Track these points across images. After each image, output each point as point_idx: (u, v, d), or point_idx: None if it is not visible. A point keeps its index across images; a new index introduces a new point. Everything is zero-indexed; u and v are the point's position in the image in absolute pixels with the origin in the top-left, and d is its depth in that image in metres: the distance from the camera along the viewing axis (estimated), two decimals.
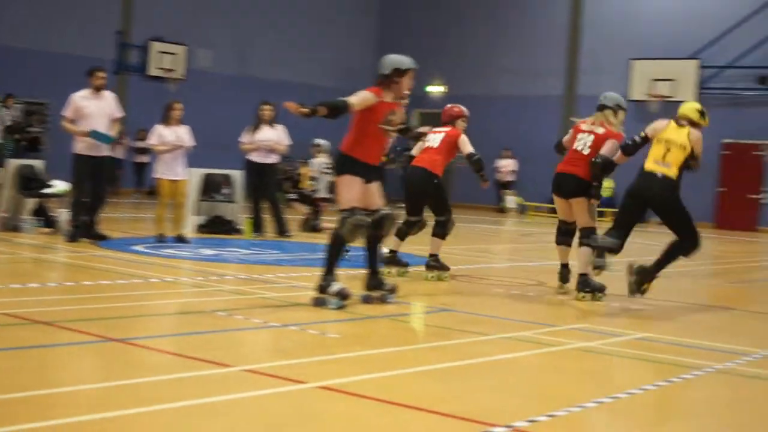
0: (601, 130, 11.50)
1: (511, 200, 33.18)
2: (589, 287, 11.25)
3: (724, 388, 7.05)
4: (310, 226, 19.06)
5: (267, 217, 17.40)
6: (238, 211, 17.83)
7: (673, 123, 10.82)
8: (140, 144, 29.21)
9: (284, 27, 35.24)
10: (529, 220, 30.46)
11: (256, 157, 17.19)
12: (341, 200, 9.73)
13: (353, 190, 9.67)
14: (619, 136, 11.45)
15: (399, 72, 9.81)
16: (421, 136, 11.68)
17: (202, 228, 17.32)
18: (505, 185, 33.54)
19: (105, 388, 5.82)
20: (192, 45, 32.50)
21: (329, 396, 5.91)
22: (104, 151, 14.50)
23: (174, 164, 15.03)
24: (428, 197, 12.71)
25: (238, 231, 17.42)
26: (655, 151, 10.56)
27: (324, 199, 19.52)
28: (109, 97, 14.67)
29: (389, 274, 12.18)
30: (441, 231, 12.78)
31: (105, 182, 15.02)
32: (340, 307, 9.35)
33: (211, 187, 17.78)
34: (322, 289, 9.52)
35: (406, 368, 6.90)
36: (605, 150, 11.29)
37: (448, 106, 13.38)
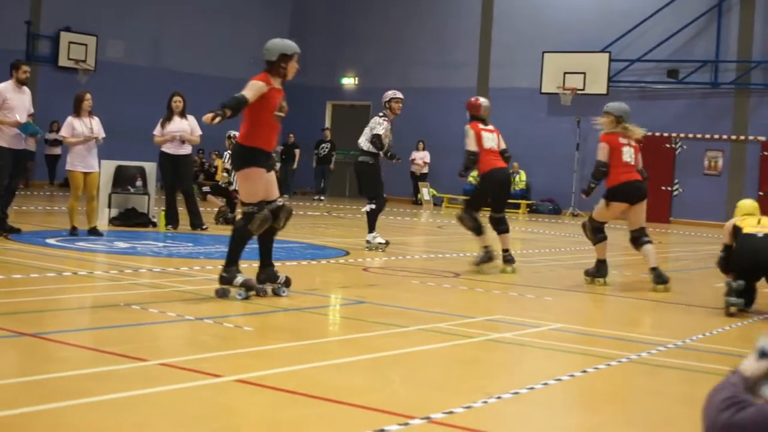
0: (633, 142, 12.53)
1: (426, 192, 33.30)
2: (662, 279, 12.17)
3: (639, 377, 7.14)
4: (225, 218, 18.98)
5: (181, 210, 17.29)
6: (152, 204, 17.68)
7: (745, 218, 10.79)
8: (53, 136, 28.87)
9: (195, 18, 35.01)
10: (443, 212, 30.60)
11: (169, 149, 17.07)
12: (247, 194, 9.66)
13: (260, 182, 9.62)
14: (639, 147, 12.68)
15: (285, 57, 9.72)
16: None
17: (115, 221, 17.16)
18: (420, 177, 33.64)
19: (19, 384, 5.75)
20: (103, 35, 32.17)
21: (246, 389, 5.89)
22: (23, 144, 14.40)
23: (86, 156, 14.86)
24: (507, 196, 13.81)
25: (152, 224, 17.28)
26: (749, 222, 10.56)
27: (239, 192, 19.42)
28: (27, 92, 14.59)
29: (509, 271, 13.21)
30: (506, 227, 13.52)
31: (19, 176, 14.90)
32: (246, 298, 9.36)
33: (124, 180, 17.60)
34: (226, 280, 9.51)
35: (323, 361, 6.89)
36: (641, 162, 12.71)
37: (488, 102, 13.97)
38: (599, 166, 12.42)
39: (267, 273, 9.87)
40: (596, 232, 12.66)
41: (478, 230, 13.43)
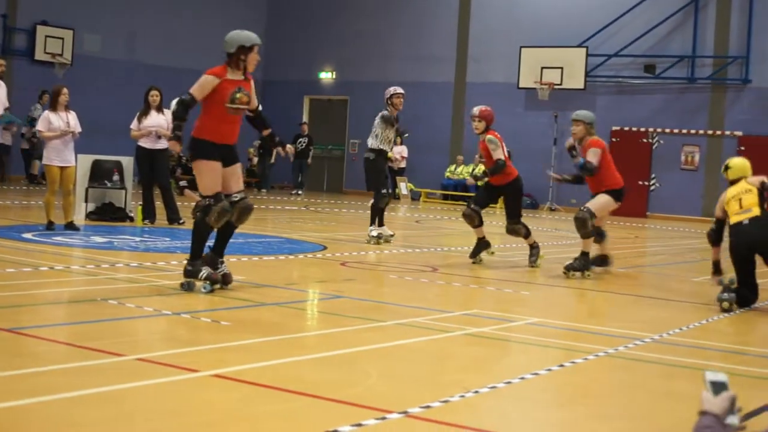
0: None
1: (403, 187, 33.30)
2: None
3: (616, 371, 7.16)
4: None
5: (158, 204, 17.24)
6: (129, 198, 17.62)
7: (731, 188, 10.81)
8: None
9: (171, 12, 34.88)
10: (421, 207, 30.61)
11: (146, 143, 17.02)
12: (202, 186, 9.55)
13: (213, 175, 9.52)
14: None
15: (244, 49, 9.59)
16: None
17: (92, 215, 17.10)
18: (398, 172, 33.62)
19: None
20: (79, 29, 32.02)
21: (223, 384, 5.89)
22: (1, 138, 14.35)
23: (63, 150, 14.79)
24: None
25: (129, 218, 17.23)
26: (733, 207, 10.60)
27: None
28: (3, 87, 14.51)
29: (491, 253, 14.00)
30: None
31: None
32: (210, 292, 9.35)
33: (101, 174, 17.53)
34: (191, 274, 9.51)
35: (300, 355, 6.90)
36: None
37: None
38: (595, 169, 12.70)
39: (209, 257, 9.76)
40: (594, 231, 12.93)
41: (528, 232, 13.83)
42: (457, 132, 33.79)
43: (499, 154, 13.45)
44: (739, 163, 10.98)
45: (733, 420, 3.47)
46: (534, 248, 13.74)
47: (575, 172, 13.31)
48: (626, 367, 7.26)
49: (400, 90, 15.79)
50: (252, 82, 9.86)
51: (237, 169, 9.82)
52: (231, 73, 9.59)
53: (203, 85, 9.48)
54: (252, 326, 8.13)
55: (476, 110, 13.80)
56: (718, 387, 3.56)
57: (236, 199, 9.64)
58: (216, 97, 9.49)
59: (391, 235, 16.07)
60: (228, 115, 9.58)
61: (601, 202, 12.85)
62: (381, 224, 15.98)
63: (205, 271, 9.45)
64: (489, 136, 13.55)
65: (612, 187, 12.83)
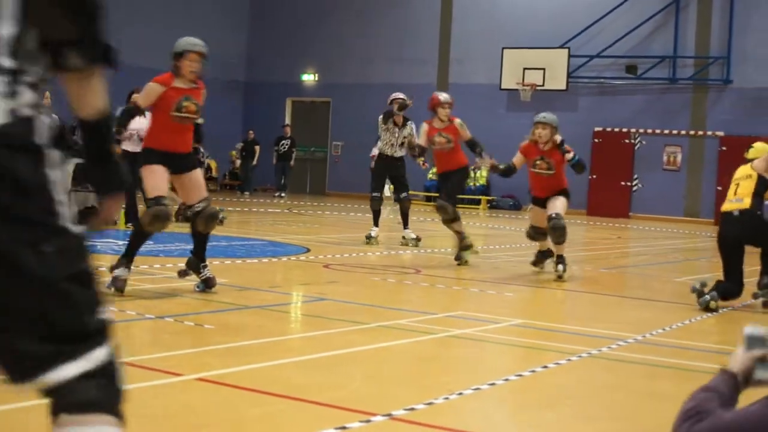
0: None
1: (386, 188, 33.22)
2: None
3: (599, 372, 7.17)
4: (185, 216, 18.86)
5: (141, 208, 17.18)
6: None
7: (740, 167, 10.88)
8: None
9: (154, 14, 34.77)
10: None
11: (128, 147, 16.96)
12: (146, 189, 9.48)
13: (152, 177, 9.38)
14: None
15: (176, 56, 9.52)
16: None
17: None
18: None
19: None
20: None
21: (206, 388, 5.87)
22: None
23: None
24: None
25: (112, 221, 17.17)
26: (729, 192, 10.65)
27: None
28: None
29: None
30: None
31: None
32: (116, 291, 9.19)
33: (83, 178, 17.45)
34: (112, 269, 9.37)
35: (284, 358, 6.88)
36: None
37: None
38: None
39: (194, 264, 9.73)
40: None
41: (457, 218, 13.83)
42: None
43: (469, 133, 14.05)
44: (759, 146, 11.00)
45: (763, 374, 3.41)
46: (464, 239, 13.79)
47: (507, 164, 13.26)
48: (610, 368, 7.27)
49: (401, 96, 16.56)
50: (203, 91, 9.76)
51: (195, 176, 9.71)
52: (178, 80, 9.51)
53: (148, 92, 9.44)
54: (235, 329, 8.12)
55: (449, 97, 14.09)
56: (753, 342, 3.48)
57: (199, 208, 9.56)
58: (162, 105, 9.42)
59: (416, 239, 16.17)
60: (174, 124, 9.47)
61: (565, 204, 12.77)
62: (406, 227, 16.44)
63: (118, 272, 9.31)
64: (458, 120, 13.95)
65: (565, 187, 12.87)
